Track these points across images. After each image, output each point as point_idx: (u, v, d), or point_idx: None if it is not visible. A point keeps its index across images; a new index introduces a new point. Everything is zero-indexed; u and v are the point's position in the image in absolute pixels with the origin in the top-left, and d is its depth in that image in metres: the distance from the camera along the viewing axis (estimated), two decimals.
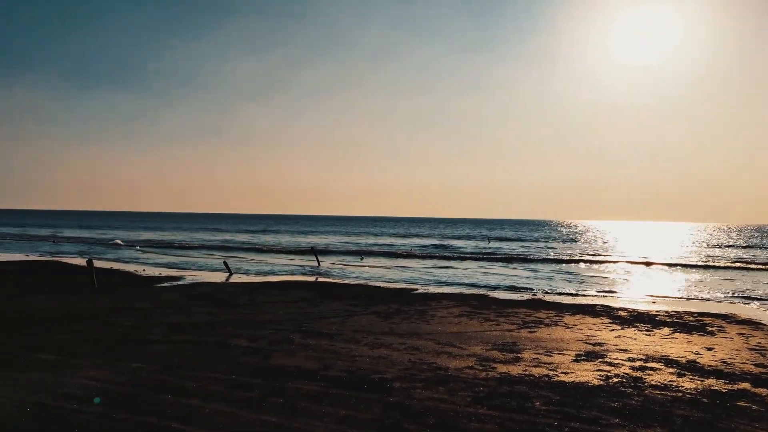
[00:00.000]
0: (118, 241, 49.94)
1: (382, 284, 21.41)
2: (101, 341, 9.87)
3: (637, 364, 8.95)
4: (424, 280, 23.73)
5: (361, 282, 22.10)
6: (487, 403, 6.68)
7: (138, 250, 39.74)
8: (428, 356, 9.21)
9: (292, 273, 25.91)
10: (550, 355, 9.47)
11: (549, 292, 20.06)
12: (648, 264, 34.28)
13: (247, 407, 6.39)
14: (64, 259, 29.94)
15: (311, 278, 23.49)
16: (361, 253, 40.43)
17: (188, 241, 52.81)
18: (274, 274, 25.33)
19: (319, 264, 30.36)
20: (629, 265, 33.75)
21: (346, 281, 22.29)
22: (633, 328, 12.32)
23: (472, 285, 21.94)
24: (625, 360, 9.22)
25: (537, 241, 68.65)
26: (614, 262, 35.67)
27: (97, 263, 20.39)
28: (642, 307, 16.26)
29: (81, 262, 27.80)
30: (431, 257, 38.42)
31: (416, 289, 19.78)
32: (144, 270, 25.01)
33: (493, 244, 57.99)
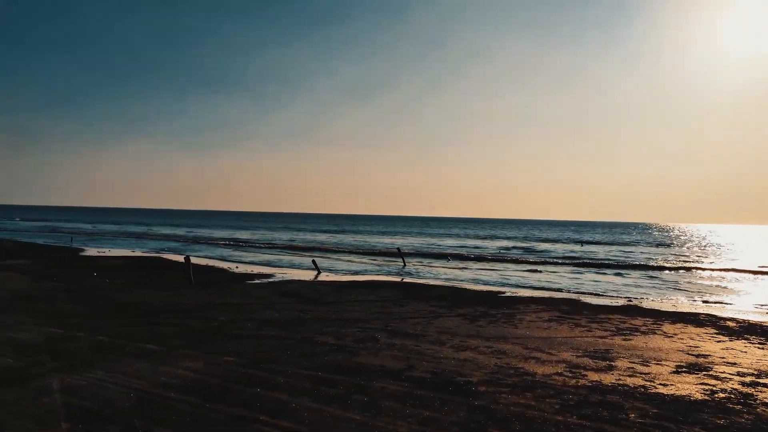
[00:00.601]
0: (217, 239, 52.61)
1: (468, 286, 21.17)
2: (197, 334, 10.42)
3: (748, 379, 8.26)
4: (511, 283, 23.21)
5: (447, 283, 21.95)
6: (577, 411, 6.41)
7: (229, 247, 41.66)
8: (515, 361, 8.98)
9: (377, 273, 26.19)
10: (647, 365, 8.96)
11: (646, 298, 18.98)
12: (757, 272, 31.60)
13: (332, 404, 6.52)
14: (165, 256, 31.91)
15: (397, 278, 23.63)
16: (448, 255, 40.15)
17: (274, 241, 54.72)
18: (360, 273, 25.71)
19: (404, 264, 30.50)
20: (736, 273, 31.26)
21: (431, 282, 22.23)
22: (743, 340, 11.40)
23: (562, 290, 21.16)
24: (733, 374, 8.54)
25: (633, 244, 65.26)
26: (720, 269, 33.09)
27: (194, 260, 21.55)
28: (753, 317, 15.03)
29: (179, 258, 29.56)
30: (518, 261, 37.50)
31: (503, 292, 19.38)
32: (237, 267, 26.18)
33: (586, 248, 55.69)
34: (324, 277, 23.18)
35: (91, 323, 11.14)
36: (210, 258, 32.17)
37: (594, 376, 8.10)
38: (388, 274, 25.91)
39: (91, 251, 33.36)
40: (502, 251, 47.17)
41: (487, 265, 32.54)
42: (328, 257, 35.86)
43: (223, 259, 32.02)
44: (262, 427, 5.76)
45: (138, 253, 33.37)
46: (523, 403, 6.71)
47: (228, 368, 8.04)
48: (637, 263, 36.11)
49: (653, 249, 57.03)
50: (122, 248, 38.25)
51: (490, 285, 22.04)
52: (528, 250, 49.53)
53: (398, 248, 38.01)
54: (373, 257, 37.30)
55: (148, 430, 5.62)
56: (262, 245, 46.91)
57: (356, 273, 25.75)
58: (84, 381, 7.25)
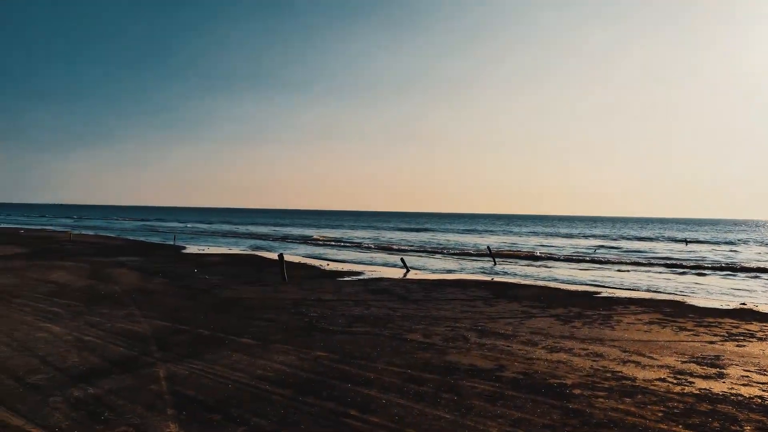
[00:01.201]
0: (315, 236, 54.28)
1: (560, 286, 20.48)
2: (290, 330, 10.79)
3: None
4: (606, 283, 22.19)
5: (539, 283, 21.35)
6: (683, 420, 6.03)
7: (318, 245, 42.81)
8: (612, 364, 8.59)
9: (466, 272, 25.94)
10: (765, 374, 8.26)
11: (763, 302, 17.51)
12: None
13: (422, 401, 6.54)
14: (259, 254, 33.30)
15: (486, 277, 23.28)
16: (539, 256, 39.06)
17: (361, 239, 55.52)
18: (449, 272, 25.57)
19: (495, 263, 30.03)
20: None
21: (522, 282, 21.71)
22: None
23: (664, 291, 19.97)
24: None
25: (742, 243, 60.40)
26: None
27: (286, 257, 22.32)
28: None
29: (273, 256, 30.75)
30: (612, 261, 35.78)
31: (599, 293, 18.58)
32: (328, 265, 26.86)
33: (692, 247, 52.21)
34: (413, 275, 23.26)
35: (194, 317, 11.84)
36: (302, 255, 33.21)
37: (702, 384, 7.59)
38: (477, 273, 25.58)
39: (192, 249, 35.42)
40: (595, 250, 45.21)
41: (580, 265, 31.31)
42: (416, 255, 35.95)
43: (314, 256, 32.96)
44: (352, 422, 5.88)
45: (234, 251, 35.04)
46: (622, 408, 6.40)
47: (320, 363, 8.27)
48: (750, 264, 33.37)
49: (766, 249, 52.45)
50: (219, 246, 40.30)
51: (585, 285, 21.19)
52: (623, 250, 47.12)
53: (488, 247, 37.47)
54: (461, 256, 36.97)
55: (245, 420, 5.89)
56: (350, 243, 47.82)
57: (445, 272, 25.64)
58: (187, 371, 7.72)
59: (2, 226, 60.46)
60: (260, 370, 7.81)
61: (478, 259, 34.28)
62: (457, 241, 57.24)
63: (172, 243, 41.10)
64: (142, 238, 46.51)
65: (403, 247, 43.95)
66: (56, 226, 69.36)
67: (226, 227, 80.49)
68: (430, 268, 27.11)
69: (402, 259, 27.30)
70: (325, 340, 9.85)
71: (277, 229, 78.60)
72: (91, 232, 53.81)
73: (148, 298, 14.19)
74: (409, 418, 5.98)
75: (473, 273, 25.27)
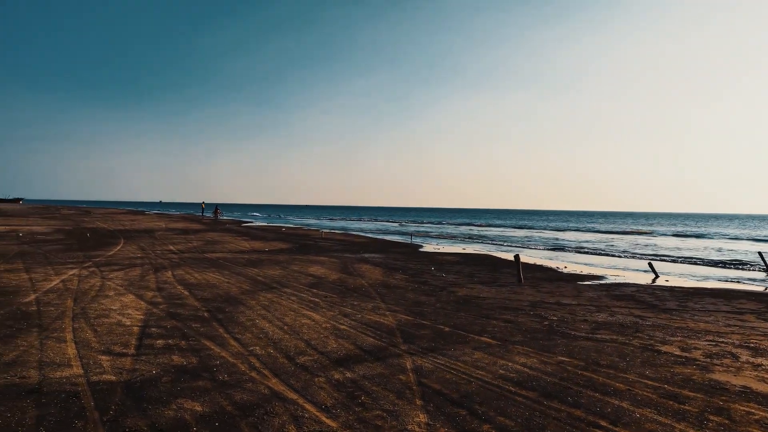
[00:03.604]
0: (563, 238, 53.13)
1: None
2: (529, 332, 10.74)
3: None
4: None
5: None
6: None
7: (548, 248, 41.47)
8: None
9: (731, 280, 22.84)
10: None
11: None
12: None
13: (683, 420, 6.02)
14: (494, 254, 33.58)
15: (758, 288, 20.20)
16: None
17: (593, 242, 52.28)
18: (705, 278, 22.80)
19: None
20: None
21: None
22: None
23: None
24: None
25: None
26: None
27: (522, 258, 22.14)
28: None
29: (506, 256, 30.76)
30: None
31: None
32: (565, 267, 25.99)
33: None
34: (662, 281, 21.26)
35: (434, 313, 12.49)
36: (537, 257, 32.63)
37: None
38: (744, 281, 22.32)
39: (428, 248, 37.17)
40: None
41: None
42: (658, 260, 32.71)
43: (549, 258, 32.14)
44: None
45: (468, 251, 35.87)
46: None
47: (563, 368, 8.10)
48: None
49: None
50: (453, 245, 41.61)
51: None
52: None
53: (759, 253, 32.42)
54: (715, 261, 32.57)
55: (490, 418, 6.07)
56: (591, 249, 45.46)
57: (702, 278, 22.90)
58: (431, 365, 8.20)
59: (266, 224, 70.64)
60: (502, 370, 7.95)
61: (740, 267, 29.88)
62: (710, 245, 50.61)
63: (409, 241, 43.71)
64: (380, 236, 50.29)
65: (652, 253, 40.39)
66: (303, 225, 78.59)
67: (454, 230, 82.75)
68: (679, 273, 24.49)
69: (650, 264, 25.13)
70: (567, 345, 9.59)
71: (502, 231, 78.29)
72: (337, 231, 59.88)
73: (391, 293, 15.35)
74: None
75: (738, 282, 22.14)
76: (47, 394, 6.48)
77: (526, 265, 24.89)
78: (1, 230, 35.27)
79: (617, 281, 20.59)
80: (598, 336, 10.46)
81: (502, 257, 30.33)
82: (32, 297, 12.70)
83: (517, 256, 20.03)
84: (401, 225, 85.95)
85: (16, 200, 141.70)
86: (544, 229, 79.31)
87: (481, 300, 14.65)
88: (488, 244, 44.78)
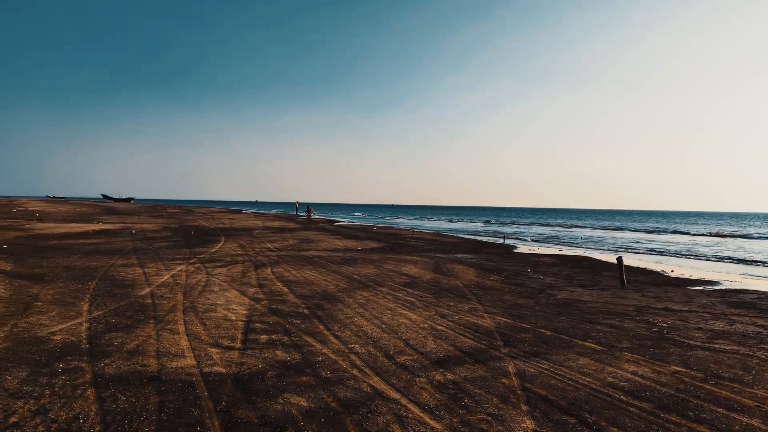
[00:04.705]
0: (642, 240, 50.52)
1: None
2: (637, 338, 10.20)
3: None
4: None
5: None
6: None
7: (652, 252, 39.25)
8: None
9: None
10: None
11: None
12: None
13: None
14: (592, 255, 32.27)
15: None
16: None
17: (692, 245, 48.90)
18: None
19: None
20: None
21: None
22: None
23: None
24: None
25: None
26: None
27: (625, 261, 21.08)
28: None
29: (606, 258, 29.46)
30: None
31: None
32: (672, 271, 24.51)
33: None
34: None
35: (533, 316, 12.16)
36: (638, 259, 31.04)
37: None
38: None
39: (522, 248, 36.31)
40: None
41: None
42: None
43: (654, 261, 30.47)
44: None
45: (564, 252, 34.70)
46: None
47: (679, 379, 7.62)
48: None
49: None
50: (548, 247, 40.40)
51: None
52: None
53: None
54: None
55: (601, 428, 5.80)
56: (694, 252, 42.72)
57: None
58: (534, 369, 7.97)
59: (356, 223, 71.79)
60: (611, 378, 7.59)
61: None
62: None
63: (501, 242, 42.93)
64: (470, 236, 49.71)
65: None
66: (393, 224, 79.05)
67: (543, 230, 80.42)
68: None
69: None
70: (682, 355, 9.02)
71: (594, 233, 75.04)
72: (427, 230, 59.81)
73: (488, 294, 15.10)
74: None
75: None
76: (166, 382, 6.89)
77: (630, 268, 23.71)
78: (118, 227, 38.05)
79: (733, 287, 19.15)
80: (716, 346, 9.76)
81: (602, 259, 29.09)
82: (147, 290, 13.59)
83: (619, 259, 19.12)
84: (486, 224, 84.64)
85: (128, 199, 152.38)
86: (635, 230, 75.25)
87: (582, 303, 14.09)
88: (582, 246, 43.10)
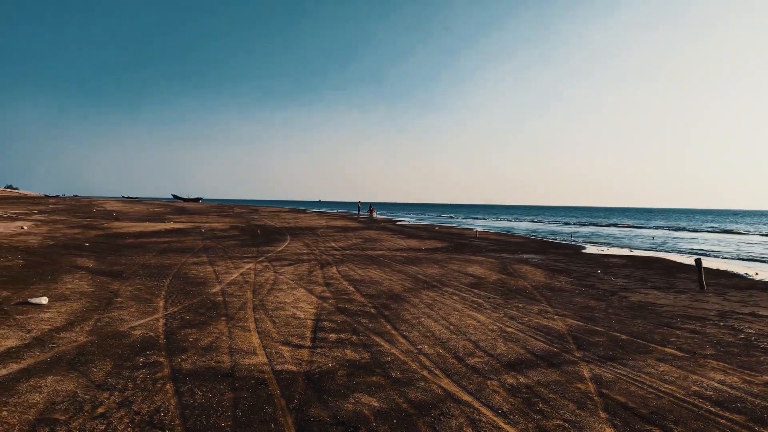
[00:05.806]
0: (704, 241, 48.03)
1: None
2: (722, 345, 9.64)
3: None
4: None
5: None
6: None
7: (728, 258, 37.17)
8: None
9: None
10: None
11: None
12: None
13: None
14: (666, 256, 30.91)
15: None
16: None
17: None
18: None
19: None
20: None
21: None
22: None
23: None
24: None
25: None
26: None
27: (704, 262, 20.04)
28: None
29: (683, 259, 28.15)
30: None
31: None
32: (756, 274, 23.15)
33: None
34: None
35: (606, 319, 11.72)
36: (715, 261, 29.51)
37: None
38: None
39: (591, 249, 35.22)
40: None
41: None
42: None
43: (737, 264, 28.89)
44: None
45: (636, 253, 33.41)
46: None
47: None
48: None
49: None
50: (618, 247, 39.03)
51: None
52: None
53: None
54: None
55: None
56: None
57: None
58: (611, 375, 7.66)
59: (418, 222, 71.62)
60: (695, 387, 7.19)
61: None
62: None
63: (567, 242, 41.81)
64: (533, 236, 48.66)
65: None
66: (455, 223, 78.35)
67: (607, 230, 77.75)
68: None
69: None
70: None
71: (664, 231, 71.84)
72: (489, 230, 58.99)
73: (557, 296, 14.67)
74: None
75: None
76: (239, 379, 7.03)
77: (709, 270, 22.53)
78: (188, 227, 39.45)
79: None
80: None
81: (676, 260, 27.83)
82: (218, 288, 13.97)
83: (698, 260, 18.19)
84: (547, 224, 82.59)
85: (197, 199, 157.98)
86: (706, 230, 71.48)
87: (659, 307, 13.47)
88: (662, 249, 41.37)
